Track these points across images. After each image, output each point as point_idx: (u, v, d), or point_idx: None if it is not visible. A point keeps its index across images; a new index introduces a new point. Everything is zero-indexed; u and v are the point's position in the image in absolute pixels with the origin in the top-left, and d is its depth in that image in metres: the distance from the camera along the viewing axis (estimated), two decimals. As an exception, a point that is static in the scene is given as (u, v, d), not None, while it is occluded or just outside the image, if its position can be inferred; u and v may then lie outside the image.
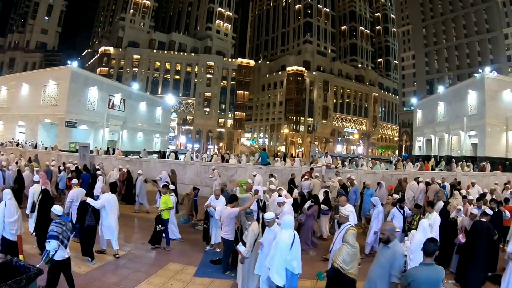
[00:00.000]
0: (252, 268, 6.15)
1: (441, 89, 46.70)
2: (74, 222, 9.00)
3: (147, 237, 9.99)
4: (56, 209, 6.22)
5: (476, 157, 32.38)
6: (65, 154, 24.43)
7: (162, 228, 9.26)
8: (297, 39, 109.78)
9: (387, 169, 24.14)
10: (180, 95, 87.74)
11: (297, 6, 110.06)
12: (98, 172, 14.20)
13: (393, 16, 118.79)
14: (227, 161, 24.11)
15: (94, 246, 8.36)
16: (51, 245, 5.65)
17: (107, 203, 8.42)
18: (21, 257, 7.00)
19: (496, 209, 9.05)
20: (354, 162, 23.24)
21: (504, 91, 32.76)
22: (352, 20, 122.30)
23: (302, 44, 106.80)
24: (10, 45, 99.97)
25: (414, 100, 59.38)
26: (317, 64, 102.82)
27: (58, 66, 48.66)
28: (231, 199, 8.29)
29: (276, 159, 25.14)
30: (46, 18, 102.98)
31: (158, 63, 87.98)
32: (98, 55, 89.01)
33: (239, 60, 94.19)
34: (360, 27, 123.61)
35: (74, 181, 10.35)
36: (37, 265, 5.06)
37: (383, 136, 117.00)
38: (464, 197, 10.80)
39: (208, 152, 53.01)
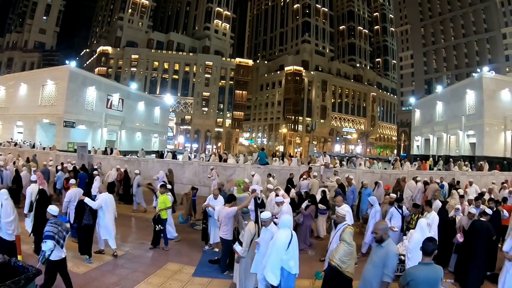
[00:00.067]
0: (249, 267, 6.15)
1: (439, 88, 46.83)
2: (71, 221, 9.02)
3: (145, 237, 10.00)
4: (52, 209, 6.23)
5: (474, 156, 32.43)
6: (63, 154, 24.38)
7: (161, 228, 9.28)
8: (295, 38, 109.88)
9: (385, 168, 24.17)
10: (179, 94, 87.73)
11: (295, 6, 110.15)
12: (94, 172, 14.17)
13: (391, 16, 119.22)
14: (225, 160, 24.13)
15: (93, 247, 8.37)
16: (47, 245, 5.67)
17: (104, 203, 8.44)
18: (19, 257, 6.98)
19: (494, 209, 9.08)
20: (352, 162, 23.26)
21: (502, 91, 32.85)
22: (350, 19, 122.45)
23: (300, 44, 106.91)
24: (8, 45, 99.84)
25: (412, 100, 59.46)
26: (316, 64, 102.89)
27: (56, 66, 48.66)
28: (229, 199, 8.28)
29: (274, 158, 25.17)
30: (44, 18, 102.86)
31: (156, 63, 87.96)
32: (96, 55, 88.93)
33: (238, 59, 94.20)
34: (359, 27, 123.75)
35: (72, 181, 10.36)
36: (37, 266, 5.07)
37: (382, 135, 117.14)
38: (462, 197, 10.83)
39: (206, 152, 52.94)
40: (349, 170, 19.23)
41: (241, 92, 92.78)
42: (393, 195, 10.46)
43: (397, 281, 4.48)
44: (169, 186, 11.79)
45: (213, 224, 9.25)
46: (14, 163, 17.85)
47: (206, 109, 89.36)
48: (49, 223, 5.92)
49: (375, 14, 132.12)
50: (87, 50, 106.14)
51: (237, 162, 22.15)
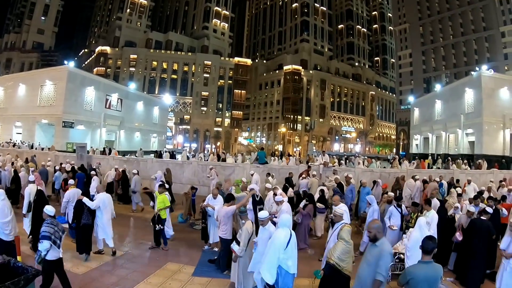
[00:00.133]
0: (247, 267, 6.15)
1: (438, 87, 46.87)
2: (70, 222, 9.06)
3: (144, 237, 10.01)
4: (48, 209, 6.28)
5: (473, 155, 32.48)
6: (62, 154, 24.39)
7: (161, 227, 9.30)
8: (294, 38, 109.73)
9: (384, 167, 24.20)
10: (177, 94, 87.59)
11: (294, 5, 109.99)
12: (92, 172, 14.20)
13: (390, 15, 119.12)
14: (223, 160, 24.16)
15: (92, 248, 8.42)
16: (43, 245, 5.72)
17: (101, 203, 8.49)
18: (18, 258, 6.99)
19: (494, 207, 9.10)
20: (350, 161, 23.27)
21: (501, 89, 32.87)
22: (349, 18, 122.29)
23: (299, 43, 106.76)
24: (6, 46, 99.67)
25: (411, 99, 59.37)
26: (314, 63, 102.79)
27: (55, 66, 48.51)
28: (228, 198, 8.30)
29: (273, 158, 25.18)
30: (43, 18, 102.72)
31: (155, 63, 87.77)
32: (95, 55, 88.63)
33: (236, 59, 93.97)
34: (357, 26, 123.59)
35: (71, 181, 10.42)
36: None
37: (381, 134, 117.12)
38: (460, 195, 10.84)
39: (205, 152, 52.87)
40: (348, 169, 19.26)
41: (240, 91, 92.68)
42: (391, 194, 10.48)
43: (395, 280, 4.48)
44: (166, 186, 11.81)
45: (213, 223, 9.25)
46: (12, 163, 17.86)
47: (205, 108, 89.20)
48: (45, 224, 5.96)
49: (373, 13, 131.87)
50: (86, 50, 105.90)
51: (236, 162, 22.16)
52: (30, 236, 8.34)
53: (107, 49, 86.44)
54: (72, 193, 9.36)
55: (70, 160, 19.36)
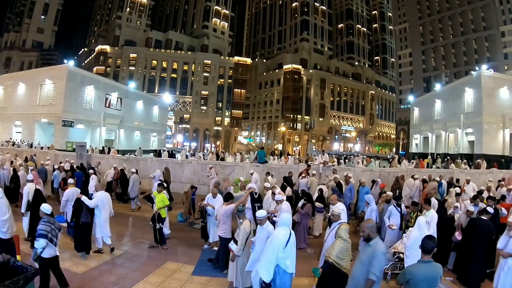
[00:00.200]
0: (245, 266, 6.15)
1: (438, 86, 46.86)
2: (69, 220, 9.09)
3: (144, 236, 10.01)
4: (45, 207, 6.33)
5: (473, 154, 32.46)
6: (62, 153, 24.37)
7: (162, 226, 9.32)
8: (294, 37, 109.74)
9: (384, 166, 24.21)
10: (177, 93, 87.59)
11: (294, 4, 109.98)
12: (90, 171, 14.22)
13: (390, 14, 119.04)
14: (222, 159, 24.18)
15: (92, 247, 8.44)
16: (39, 243, 5.76)
17: (100, 201, 8.53)
18: (18, 257, 6.99)
19: (493, 206, 9.10)
20: (349, 160, 23.28)
21: (500, 89, 32.84)
22: (349, 18, 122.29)
23: (299, 42, 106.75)
24: (6, 45, 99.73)
25: (411, 98, 59.30)
26: (314, 62, 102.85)
27: (55, 65, 48.50)
28: (227, 197, 8.31)
29: (273, 157, 25.18)
30: (42, 17, 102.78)
31: (155, 62, 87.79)
32: (94, 54, 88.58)
33: (236, 58, 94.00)
34: (357, 25, 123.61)
35: (70, 180, 10.46)
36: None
37: (380, 134, 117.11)
38: (458, 194, 10.85)
39: (205, 151, 52.85)
40: (348, 168, 19.26)
41: (239, 90, 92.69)
42: (390, 193, 10.49)
43: (395, 279, 4.48)
44: (165, 185, 11.82)
45: (212, 222, 9.24)
46: (11, 162, 17.87)
47: (204, 107, 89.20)
48: (42, 222, 6.02)
49: (373, 12, 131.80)
50: (86, 49, 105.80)
51: (235, 161, 22.19)
52: (28, 236, 8.39)
53: (107, 48, 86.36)
54: (72, 192, 9.39)
55: (69, 159, 19.34)
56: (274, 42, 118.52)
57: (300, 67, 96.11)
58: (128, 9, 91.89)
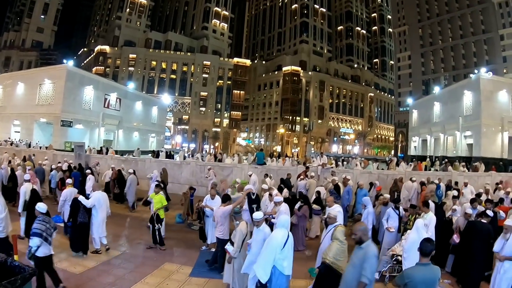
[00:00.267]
0: (241, 268, 6.14)
1: (436, 89, 46.83)
2: (66, 220, 9.09)
3: (142, 237, 9.99)
4: (40, 206, 6.37)
5: (471, 157, 32.48)
6: (60, 153, 24.35)
7: (160, 226, 9.32)
8: (293, 39, 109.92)
9: (382, 169, 24.21)
10: (176, 94, 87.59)
11: (293, 6, 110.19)
12: (87, 171, 14.22)
13: (390, 17, 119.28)
14: (220, 160, 24.15)
15: (89, 247, 8.43)
16: (33, 242, 5.81)
17: (97, 201, 8.57)
18: (15, 257, 6.98)
19: (492, 209, 9.11)
20: (347, 162, 23.29)
21: (499, 92, 32.90)
22: (348, 20, 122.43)
23: (298, 44, 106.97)
24: (5, 44, 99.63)
25: (410, 101, 59.29)
26: (313, 64, 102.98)
27: (54, 65, 48.42)
28: (224, 199, 8.31)
29: (271, 158, 25.17)
30: (42, 16, 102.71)
31: (154, 63, 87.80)
32: (94, 54, 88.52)
33: (235, 59, 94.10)
34: (356, 28, 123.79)
35: (69, 180, 10.44)
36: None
37: (379, 136, 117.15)
38: (456, 197, 10.85)
39: (203, 152, 52.75)
40: (347, 170, 19.27)
41: (238, 92, 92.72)
42: (387, 196, 10.50)
43: (391, 281, 4.48)
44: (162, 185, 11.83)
45: (210, 224, 9.23)
46: (9, 162, 17.83)
47: (203, 109, 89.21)
48: (37, 221, 6.05)
49: (373, 15, 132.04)
50: (85, 49, 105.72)
51: (233, 162, 22.17)
52: (24, 236, 8.40)
53: (106, 48, 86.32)
54: (69, 192, 9.42)
55: (68, 159, 19.32)
56: (273, 43, 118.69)
57: (299, 69, 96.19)
58: (128, 9, 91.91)
